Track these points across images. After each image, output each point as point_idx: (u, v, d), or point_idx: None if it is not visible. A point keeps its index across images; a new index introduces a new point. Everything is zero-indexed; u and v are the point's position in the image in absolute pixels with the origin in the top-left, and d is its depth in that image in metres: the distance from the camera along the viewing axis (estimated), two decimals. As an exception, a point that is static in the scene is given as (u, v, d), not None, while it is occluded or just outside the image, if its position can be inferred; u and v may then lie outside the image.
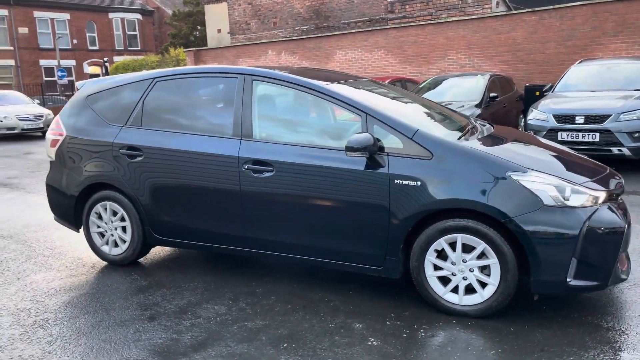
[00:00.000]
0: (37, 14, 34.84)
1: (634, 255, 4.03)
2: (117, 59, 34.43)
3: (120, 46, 38.17)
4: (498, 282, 3.08)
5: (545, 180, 3.01)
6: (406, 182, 3.19)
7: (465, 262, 3.15)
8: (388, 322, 3.18)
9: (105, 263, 4.37)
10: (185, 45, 23.50)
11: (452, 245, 3.16)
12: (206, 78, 4.01)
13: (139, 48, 38.21)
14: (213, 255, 4.51)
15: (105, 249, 4.33)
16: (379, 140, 3.29)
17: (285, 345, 2.95)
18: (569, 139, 7.49)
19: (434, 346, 2.89)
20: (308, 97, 3.64)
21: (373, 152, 3.24)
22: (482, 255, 3.11)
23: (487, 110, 9.07)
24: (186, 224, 3.92)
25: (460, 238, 3.12)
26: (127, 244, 4.21)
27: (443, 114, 4.16)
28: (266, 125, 3.72)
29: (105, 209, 4.23)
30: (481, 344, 2.89)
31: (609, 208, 3.08)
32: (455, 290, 3.22)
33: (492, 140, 3.62)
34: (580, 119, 7.46)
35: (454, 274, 3.20)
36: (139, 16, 38.78)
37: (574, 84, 8.68)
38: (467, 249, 3.14)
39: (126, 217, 4.14)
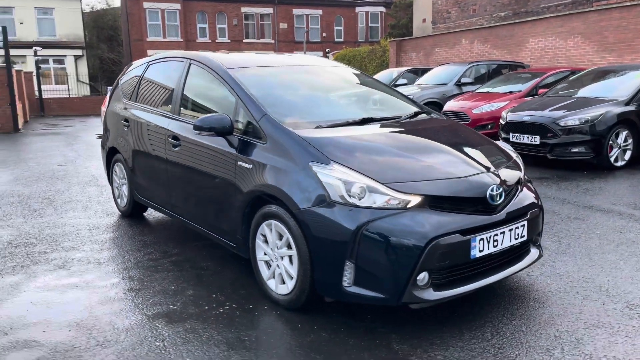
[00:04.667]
0: (296, 11, 39.75)
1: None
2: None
3: (362, 37, 40.78)
4: (296, 276, 2.94)
5: (338, 175, 2.75)
6: (244, 165, 3.26)
7: (278, 249, 3.08)
8: (214, 295, 3.33)
9: (119, 213, 5.39)
10: (402, 35, 24.01)
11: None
12: (174, 62, 4.56)
13: (378, 39, 40.21)
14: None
15: (118, 201, 5.33)
16: (250, 123, 3.40)
17: (134, 286, 3.49)
18: None
19: (212, 320, 2.96)
20: (218, 79, 3.89)
21: (224, 133, 3.37)
22: (291, 246, 3.00)
23: (638, 109, 7.37)
24: (148, 187, 4.61)
25: (274, 225, 3.07)
26: (126, 199, 5.13)
27: (388, 102, 3.97)
28: (189, 103, 4.12)
29: (119, 168, 5.21)
30: (250, 334, 2.85)
31: (425, 217, 2.64)
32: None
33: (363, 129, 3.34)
34: None
35: (272, 261, 3.15)
36: (382, 9, 40.74)
37: None
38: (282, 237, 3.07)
39: (125, 176, 5.05)
